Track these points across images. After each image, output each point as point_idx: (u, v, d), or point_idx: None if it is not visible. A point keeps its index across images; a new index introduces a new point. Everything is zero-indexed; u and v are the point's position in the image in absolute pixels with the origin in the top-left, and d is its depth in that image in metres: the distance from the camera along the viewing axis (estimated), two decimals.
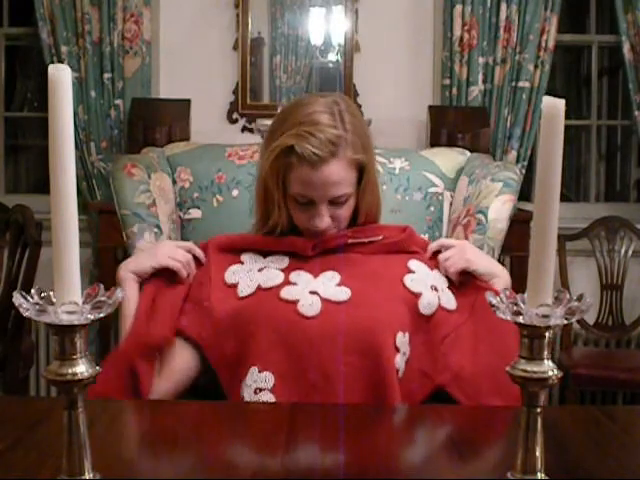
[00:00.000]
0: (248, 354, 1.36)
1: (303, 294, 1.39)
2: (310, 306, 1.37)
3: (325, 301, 1.37)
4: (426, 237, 1.77)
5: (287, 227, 1.50)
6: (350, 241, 1.49)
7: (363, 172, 1.46)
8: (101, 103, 3.33)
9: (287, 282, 1.42)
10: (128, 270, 1.48)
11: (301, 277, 1.42)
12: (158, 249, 1.50)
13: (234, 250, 1.51)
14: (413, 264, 1.48)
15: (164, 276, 1.47)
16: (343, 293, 1.39)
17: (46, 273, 2.80)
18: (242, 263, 1.48)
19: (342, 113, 1.42)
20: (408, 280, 1.43)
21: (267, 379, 1.33)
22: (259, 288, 1.42)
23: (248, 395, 1.32)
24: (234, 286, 1.44)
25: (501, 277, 1.48)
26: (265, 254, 1.49)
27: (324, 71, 3.53)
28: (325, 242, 1.49)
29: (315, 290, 1.39)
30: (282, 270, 1.45)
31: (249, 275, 1.45)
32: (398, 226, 1.56)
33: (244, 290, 1.42)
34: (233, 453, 1.06)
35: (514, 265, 3.00)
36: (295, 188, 1.42)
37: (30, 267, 2.76)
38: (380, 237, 1.51)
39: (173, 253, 1.48)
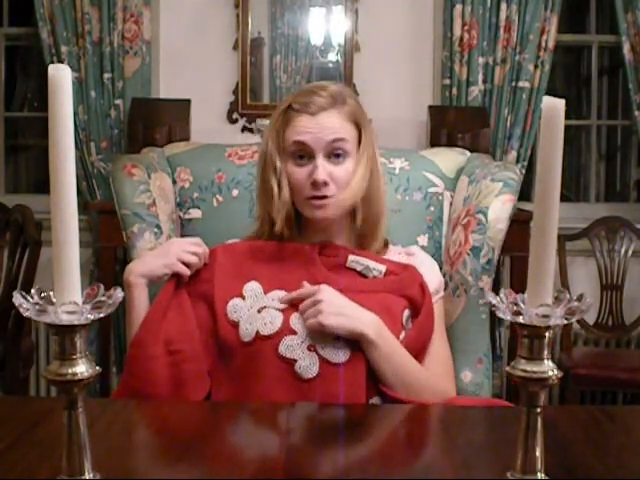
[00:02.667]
0: None
1: (301, 351, 1.34)
2: (308, 368, 1.33)
3: (323, 361, 1.33)
4: (425, 238, 1.77)
5: (290, 215, 1.45)
6: (350, 263, 1.46)
7: (361, 134, 1.48)
8: (101, 103, 3.34)
9: (287, 329, 1.36)
10: (138, 274, 1.42)
11: (302, 322, 1.36)
12: (168, 250, 1.45)
13: (239, 275, 1.46)
14: (405, 315, 1.45)
15: (174, 283, 1.44)
16: (341, 353, 1.34)
17: (46, 273, 2.81)
18: (243, 298, 1.42)
19: (342, 86, 1.52)
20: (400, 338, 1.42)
21: None
22: (258, 335, 1.35)
23: None
24: (235, 325, 1.39)
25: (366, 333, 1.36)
26: (267, 287, 1.42)
27: (324, 71, 3.53)
28: (329, 249, 1.48)
29: (314, 344, 1.34)
30: (282, 311, 1.38)
31: (249, 316, 1.39)
32: (400, 263, 1.51)
33: (244, 335, 1.37)
34: (233, 453, 1.06)
35: (514, 265, 3.00)
36: (292, 137, 1.43)
37: (30, 267, 2.76)
38: (383, 268, 1.47)
39: (182, 255, 1.43)
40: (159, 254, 1.46)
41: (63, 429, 0.79)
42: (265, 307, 1.39)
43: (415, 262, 1.55)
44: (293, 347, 1.34)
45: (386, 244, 1.58)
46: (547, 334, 0.80)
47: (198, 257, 1.45)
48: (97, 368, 0.79)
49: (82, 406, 0.80)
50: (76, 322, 0.77)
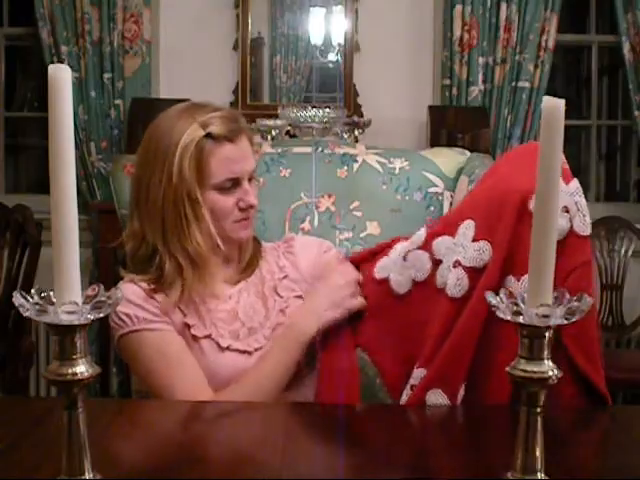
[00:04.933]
0: (417, 354, 1.31)
1: (449, 271, 1.31)
2: (457, 285, 1.29)
3: (469, 270, 1.30)
4: None
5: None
6: None
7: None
8: (101, 103, 3.33)
9: (434, 262, 1.34)
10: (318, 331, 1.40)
11: (441, 244, 1.34)
12: (342, 301, 1.43)
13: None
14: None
15: None
16: (482, 253, 1.30)
17: (46, 273, 2.81)
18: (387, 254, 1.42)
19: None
20: None
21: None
22: (414, 282, 1.36)
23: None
24: (385, 281, 1.40)
25: None
26: None
27: (324, 71, 3.53)
28: None
29: (457, 259, 1.31)
30: (422, 247, 1.37)
31: (396, 266, 1.39)
32: None
33: (400, 285, 1.38)
34: (233, 453, 1.06)
35: None
36: (221, 173, 1.39)
37: (30, 267, 2.76)
38: None
39: (353, 291, 1.44)
40: (334, 304, 1.42)
41: (63, 429, 0.79)
42: (409, 252, 1.38)
43: (294, 251, 1.55)
44: (444, 272, 1.32)
45: (259, 243, 1.57)
46: (547, 334, 0.80)
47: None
48: (97, 368, 0.79)
49: (82, 406, 0.80)
50: (76, 322, 0.77)
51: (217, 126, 1.39)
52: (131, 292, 1.38)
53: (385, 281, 1.40)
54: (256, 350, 1.40)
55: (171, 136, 1.39)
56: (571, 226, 1.27)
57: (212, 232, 1.40)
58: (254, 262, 1.52)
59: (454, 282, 1.28)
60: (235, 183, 1.42)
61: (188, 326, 1.40)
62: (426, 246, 1.36)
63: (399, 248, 1.41)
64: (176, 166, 1.37)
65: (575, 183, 1.30)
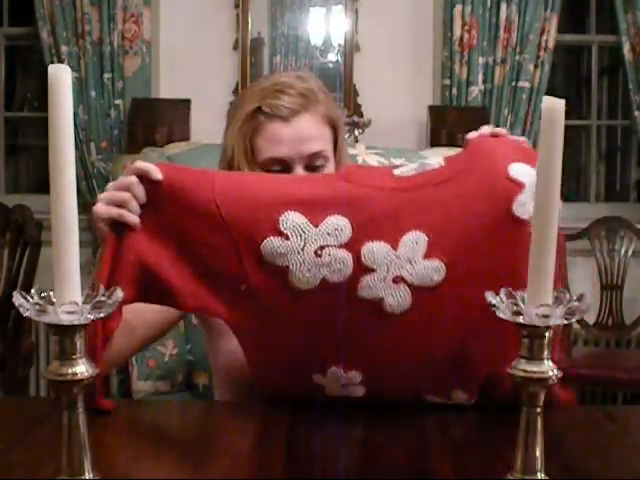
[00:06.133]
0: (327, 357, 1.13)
1: (387, 286, 1.08)
2: (398, 304, 1.09)
3: (415, 289, 1.09)
4: None
5: None
6: None
7: (337, 133, 1.35)
8: (101, 103, 3.34)
9: (361, 269, 1.07)
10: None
11: (375, 253, 1.07)
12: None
13: (264, 201, 1.09)
14: None
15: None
16: (434, 272, 1.08)
17: (46, 273, 2.81)
18: (285, 237, 1.07)
19: (309, 79, 1.33)
20: None
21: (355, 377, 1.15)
22: (324, 282, 1.07)
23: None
24: (283, 271, 1.08)
25: None
26: (313, 215, 1.08)
27: (324, 71, 3.53)
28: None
29: (400, 275, 1.08)
30: (345, 246, 1.07)
31: (303, 260, 1.07)
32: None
33: (303, 282, 1.07)
34: (233, 453, 1.06)
35: None
36: (265, 152, 1.27)
37: (30, 267, 2.77)
38: None
39: (108, 199, 1.17)
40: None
41: (63, 429, 0.79)
42: (325, 246, 1.08)
43: None
44: (375, 284, 1.08)
45: None
46: (547, 334, 0.80)
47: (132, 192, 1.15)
48: (97, 368, 0.79)
49: (82, 406, 0.80)
50: (76, 322, 0.77)
51: (272, 101, 1.26)
52: None
53: (285, 270, 1.08)
54: None
55: (242, 101, 1.32)
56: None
57: None
58: None
59: (396, 301, 1.09)
60: (284, 167, 1.27)
61: None
62: (353, 247, 1.08)
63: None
64: (228, 138, 1.32)
65: None
